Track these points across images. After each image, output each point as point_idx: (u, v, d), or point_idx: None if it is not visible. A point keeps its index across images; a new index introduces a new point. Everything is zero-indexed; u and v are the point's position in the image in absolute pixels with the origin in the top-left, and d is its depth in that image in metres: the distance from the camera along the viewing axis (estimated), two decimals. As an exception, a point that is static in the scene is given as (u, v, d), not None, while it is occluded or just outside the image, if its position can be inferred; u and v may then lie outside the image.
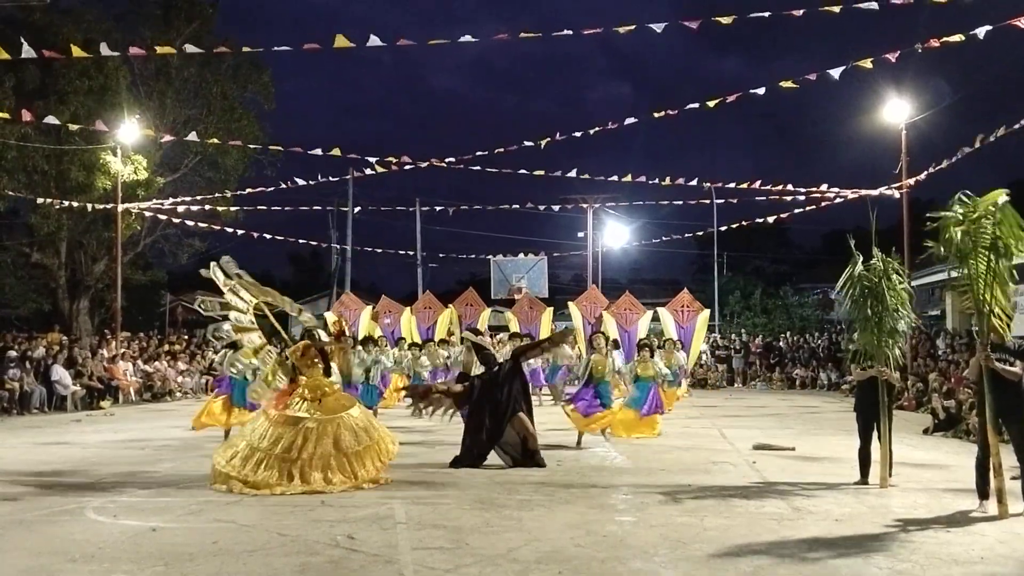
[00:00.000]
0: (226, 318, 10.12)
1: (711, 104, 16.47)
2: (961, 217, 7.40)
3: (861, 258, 8.90)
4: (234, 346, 10.90)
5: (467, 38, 13.42)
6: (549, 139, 18.63)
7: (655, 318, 22.54)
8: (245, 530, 6.75)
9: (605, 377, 12.45)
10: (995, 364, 7.36)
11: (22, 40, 14.24)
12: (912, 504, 7.91)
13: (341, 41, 13.23)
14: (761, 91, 16.02)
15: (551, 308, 24.18)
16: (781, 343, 31.23)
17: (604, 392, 12.38)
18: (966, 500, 7.78)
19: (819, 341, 30.56)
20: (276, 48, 13.75)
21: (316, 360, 9.38)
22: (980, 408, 7.62)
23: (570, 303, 24.01)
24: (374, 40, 13.13)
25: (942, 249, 7.58)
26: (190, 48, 15.50)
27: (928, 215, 7.79)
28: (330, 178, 26.24)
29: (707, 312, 23.16)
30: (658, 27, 13.34)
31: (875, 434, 8.95)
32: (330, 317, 22.86)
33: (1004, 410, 7.39)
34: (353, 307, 23.90)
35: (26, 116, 18.29)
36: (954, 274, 7.81)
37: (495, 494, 8.29)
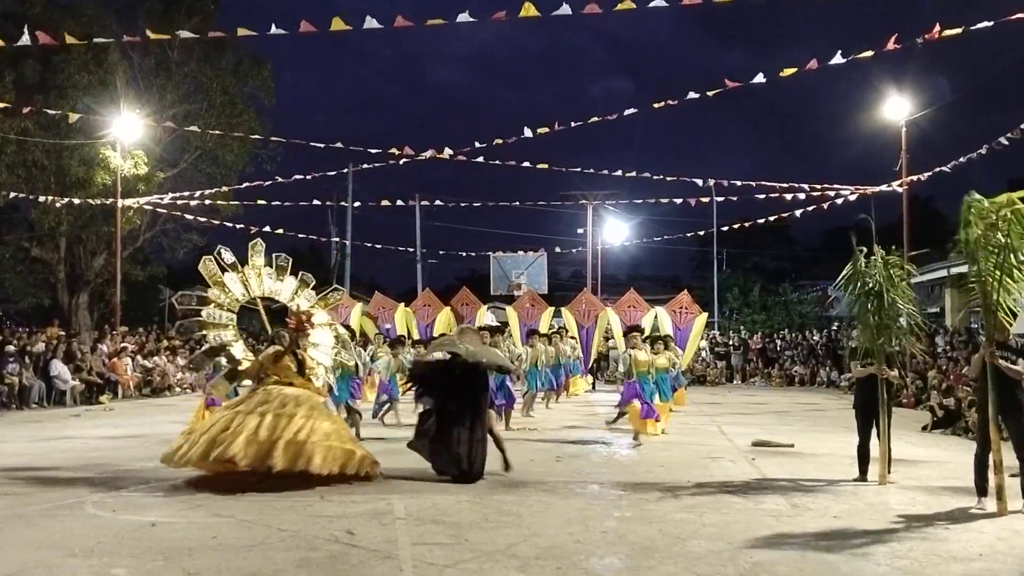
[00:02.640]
0: (197, 313, 10.13)
1: (711, 94, 16.45)
2: (976, 215, 7.40)
3: (864, 252, 8.89)
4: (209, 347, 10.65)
5: (465, 16, 13.35)
6: (548, 129, 18.60)
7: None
8: (245, 525, 6.75)
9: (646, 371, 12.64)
10: (999, 361, 7.36)
11: (24, 35, 14.25)
12: (911, 501, 7.92)
13: (338, 24, 13.20)
14: (761, 78, 15.97)
15: (551, 308, 24.10)
16: (779, 340, 31.24)
17: (644, 386, 12.50)
18: (965, 497, 7.79)
19: (818, 338, 30.57)
20: (273, 32, 13.69)
21: (290, 365, 9.26)
22: (981, 405, 7.63)
23: (563, 309, 23.93)
24: (371, 22, 13.07)
25: (962, 246, 7.58)
26: (184, 34, 15.45)
27: (942, 211, 7.81)
28: (327, 173, 26.24)
29: (705, 315, 23.13)
30: (660, 3, 13.27)
31: (874, 431, 8.97)
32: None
33: (1004, 407, 7.40)
34: (344, 304, 23.83)
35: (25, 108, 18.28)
36: (956, 271, 7.83)
37: (494, 490, 8.29)
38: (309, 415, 8.62)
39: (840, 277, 9.11)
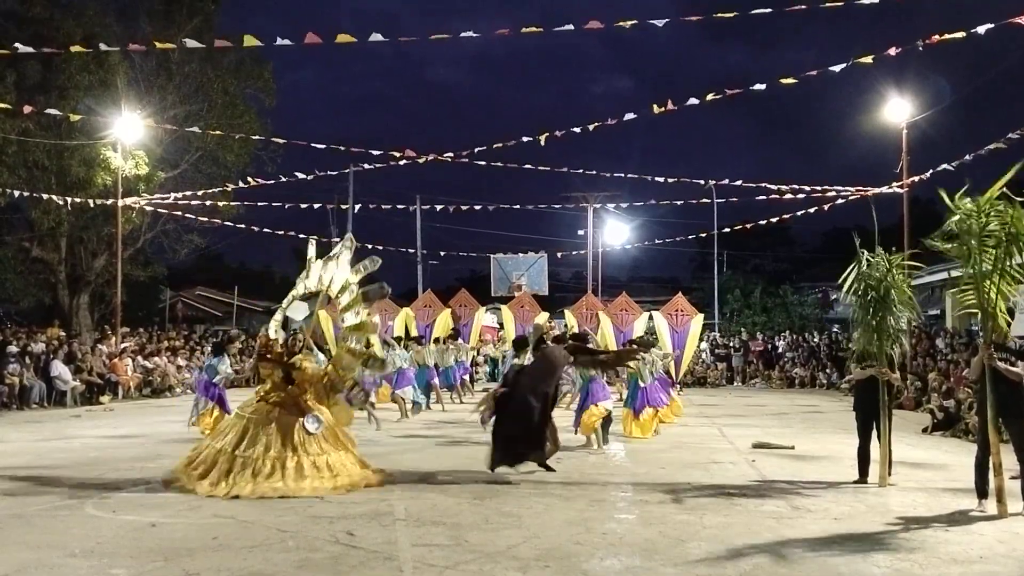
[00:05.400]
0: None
1: (710, 98, 16.49)
2: (968, 215, 7.39)
3: (866, 255, 8.86)
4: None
5: (469, 33, 13.38)
6: (548, 133, 18.64)
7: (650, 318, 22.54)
8: (245, 526, 6.75)
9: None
10: (998, 363, 7.35)
11: (17, 45, 14.30)
12: (911, 503, 7.92)
13: (343, 36, 13.23)
14: (762, 87, 16.04)
15: (546, 313, 24.07)
16: (780, 342, 31.23)
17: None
18: (965, 499, 7.79)
19: (818, 340, 30.58)
20: (278, 43, 13.69)
21: (275, 374, 9.01)
22: (980, 407, 7.63)
23: (566, 311, 23.91)
24: (376, 35, 13.09)
25: (948, 246, 7.57)
26: (190, 43, 15.45)
27: (943, 213, 7.76)
28: (329, 172, 26.19)
29: (701, 316, 23.11)
30: (659, 22, 13.35)
31: (874, 433, 8.96)
32: (323, 316, 22.85)
33: (1005, 410, 7.39)
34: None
35: (27, 108, 18.32)
36: (956, 273, 7.80)
37: (494, 491, 8.29)
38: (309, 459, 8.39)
39: (843, 277, 9.07)
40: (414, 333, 21.67)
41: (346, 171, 30.49)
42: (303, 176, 23.88)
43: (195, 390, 13.83)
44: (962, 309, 7.85)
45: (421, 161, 21.31)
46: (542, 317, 23.27)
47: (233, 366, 13.36)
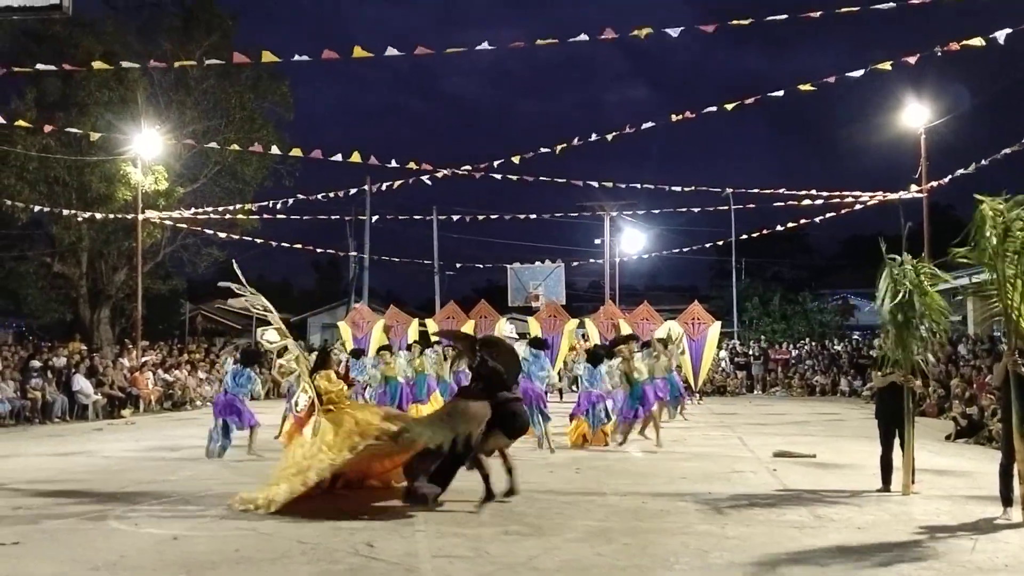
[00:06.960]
0: (267, 322, 9.91)
1: (729, 107, 16.49)
2: (992, 219, 7.32)
3: (899, 260, 8.74)
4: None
5: (484, 45, 13.44)
6: (565, 144, 18.67)
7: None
8: (266, 538, 6.76)
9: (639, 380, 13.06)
10: (1022, 369, 7.27)
11: (39, 66, 14.50)
12: (935, 511, 7.84)
13: (359, 51, 13.32)
14: (779, 94, 16.03)
15: (575, 320, 24.09)
16: (796, 350, 31.03)
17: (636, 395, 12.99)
18: (990, 507, 7.70)
19: (839, 347, 30.36)
20: (295, 59, 13.79)
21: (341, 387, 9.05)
22: (1005, 414, 7.54)
23: (587, 319, 23.91)
24: (391, 49, 13.19)
25: (973, 252, 7.50)
26: (209, 60, 15.66)
27: (962, 218, 7.74)
28: (350, 191, 26.30)
29: (718, 324, 23.01)
30: (674, 31, 13.39)
31: (897, 441, 8.88)
32: (343, 327, 22.98)
33: (1029, 416, 7.31)
34: (366, 319, 23.91)
35: (47, 128, 18.57)
36: (978, 278, 7.74)
37: (514, 501, 8.25)
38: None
39: (882, 287, 8.86)
40: None
41: (364, 187, 30.60)
42: (323, 197, 24.03)
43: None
44: (990, 317, 7.75)
45: (440, 176, 21.37)
46: (569, 327, 23.14)
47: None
